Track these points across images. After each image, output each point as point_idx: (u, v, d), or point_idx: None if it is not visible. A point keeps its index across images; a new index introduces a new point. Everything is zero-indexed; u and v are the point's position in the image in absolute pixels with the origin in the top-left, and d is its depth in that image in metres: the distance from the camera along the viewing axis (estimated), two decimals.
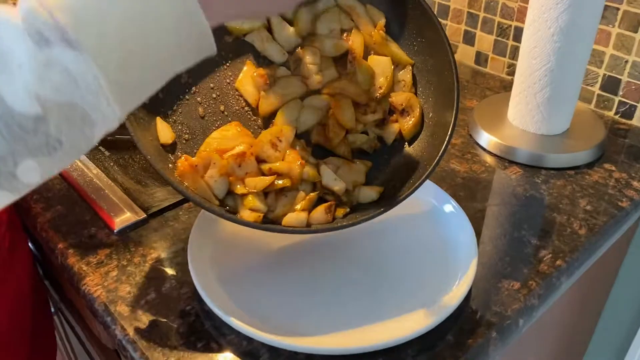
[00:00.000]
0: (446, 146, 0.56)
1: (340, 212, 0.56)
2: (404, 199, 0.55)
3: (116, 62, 0.32)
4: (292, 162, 0.55)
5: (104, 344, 0.74)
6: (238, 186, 0.53)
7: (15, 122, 0.30)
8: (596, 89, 0.88)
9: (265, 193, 0.54)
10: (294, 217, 0.53)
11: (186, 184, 0.53)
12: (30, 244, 0.76)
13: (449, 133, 0.56)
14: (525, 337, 0.66)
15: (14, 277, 0.69)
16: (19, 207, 0.70)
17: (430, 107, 0.61)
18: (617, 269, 0.89)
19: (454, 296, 0.53)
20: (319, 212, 0.54)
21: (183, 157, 0.54)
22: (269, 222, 0.54)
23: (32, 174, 0.33)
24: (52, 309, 0.86)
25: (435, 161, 0.56)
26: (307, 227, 0.54)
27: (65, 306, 0.85)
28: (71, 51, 0.31)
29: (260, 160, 0.56)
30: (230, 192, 0.55)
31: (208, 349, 0.51)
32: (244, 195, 0.53)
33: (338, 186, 0.56)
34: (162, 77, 0.37)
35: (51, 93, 0.31)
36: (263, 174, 0.55)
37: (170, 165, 0.54)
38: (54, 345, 0.85)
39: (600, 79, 0.87)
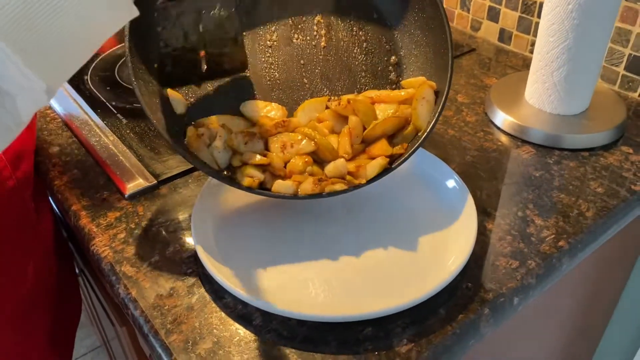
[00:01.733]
0: (434, 123, 0.57)
1: (340, 186, 0.56)
2: (390, 171, 0.58)
3: (20, 25, 0.30)
4: (295, 164, 0.57)
5: (118, 304, 0.78)
6: (236, 159, 0.56)
7: None
8: (621, 69, 0.85)
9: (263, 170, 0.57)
10: (282, 185, 0.55)
11: (191, 149, 0.55)
12: (55, 207, 0.80)
13: (438, 111, 0.57)
14: (528, 321, 0.66)
15: (41, 237, 0.72)
16: (39, 171, 0.73)
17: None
18: (635, 259, 0.87)
19: (448, 271, 0.53)
20: (308, 183, 0.55)
21: (191, 125, 0.56)
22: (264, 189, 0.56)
23: None
24: (77, 271, 0.90)
25: (423, 137, 0.58)
26: (294, 195, 0.56)
27: (86, 268, 0.89)
28: None
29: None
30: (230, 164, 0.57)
31: (204, 310, 0.53)
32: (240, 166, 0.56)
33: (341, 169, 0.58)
34: (84, 43, 0.34)
35: None
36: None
37: (176, 129, 0.57)
38: (79, 306, 0.89)
39: (625, 59, 0.84)
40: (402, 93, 0.61)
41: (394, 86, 0.65)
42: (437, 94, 0.60)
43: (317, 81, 0.65)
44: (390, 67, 0.65)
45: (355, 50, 0.65)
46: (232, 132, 0.58)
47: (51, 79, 0.33)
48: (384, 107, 0.61)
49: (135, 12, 0.36)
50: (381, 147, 0.58)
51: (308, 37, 0.65)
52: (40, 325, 0.73)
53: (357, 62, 0.65)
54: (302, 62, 0.64)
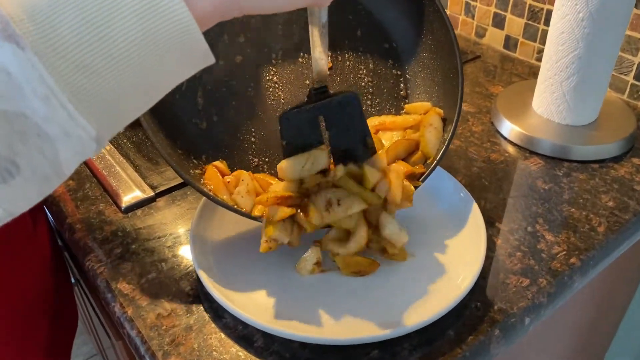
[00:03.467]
0: (445, 149, 0.56)
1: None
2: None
3: (73, 62, 0.26)
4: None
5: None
6: (258, 209, 0.53)
7: None
8: (630, 79, 0.83)
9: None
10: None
11: (209, 186, 0.54)
12: (50, 218, 0.78)
13: (448, 138, 0.56)
14: (537, 332, 0.64)
15: (38, 247, 0.70)
16: None
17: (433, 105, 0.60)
18: None
19: (456, 290, 0.51)
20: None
21: (212, 166, 0.54)
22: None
23: None
24: (72, 280, 0.88)
25: (433, 165, 0.56)
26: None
27: (82, 278, 0.87)
28: (11, 46, 0.25)
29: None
30: None
31: (203, 331, 0.50)
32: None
33: (403, 239, 0.53)
34: (148, 88, 0.30)
35: None
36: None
37: (188, 163, 0.55)
38: (75, 315, 0.87)
39: (635, 68, 0.82)
40: (410, 119, 0.58)
41: (401, 109, 0.63)
42: (444, 120, 0.58)
43: None
44: (397, 89, 0.63)
45: (361, 72, 0.63)
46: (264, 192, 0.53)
47: (103, 127, 0.29)
48: (390, 134, 0.58)
49: (211, 59, 0.32)
50: (402, 166, 0.55)
51: None
52: (39, 334, 0.71)
53: (363, 84, 0.63)
54: (307, 82, 0.62)
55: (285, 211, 0.50)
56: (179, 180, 0.68)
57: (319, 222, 0.51)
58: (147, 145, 0.75)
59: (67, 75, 0.26)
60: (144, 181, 0.68)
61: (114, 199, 0.66)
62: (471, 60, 0.97)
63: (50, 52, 0.26)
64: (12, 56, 0.25)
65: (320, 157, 0.52)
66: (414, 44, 0.61)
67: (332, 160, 0.54)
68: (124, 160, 0.71)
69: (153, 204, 0.65)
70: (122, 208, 0.64)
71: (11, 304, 0.65)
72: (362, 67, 0.63)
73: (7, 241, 0.63)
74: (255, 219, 0.53)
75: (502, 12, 0.97)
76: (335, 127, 0.52)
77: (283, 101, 0.61)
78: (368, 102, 0.63)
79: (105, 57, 0.27)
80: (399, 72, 0.63)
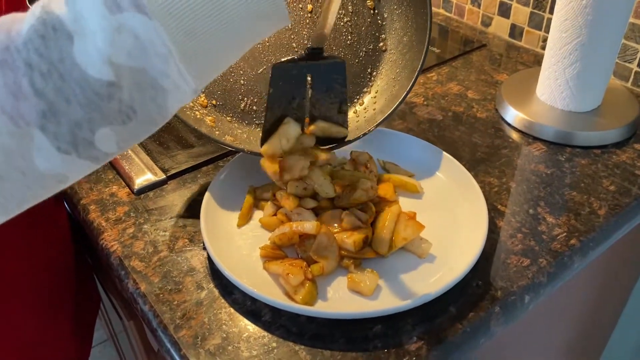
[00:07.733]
0: (408, 90, 0.61)
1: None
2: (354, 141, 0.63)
3: (185, 28, 0.32)
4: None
5: (126, 298, 0.78)
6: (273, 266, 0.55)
7: (90, 87, 0.31)
8: (634, 66, 0.84)
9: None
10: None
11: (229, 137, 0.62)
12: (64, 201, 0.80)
13: (413, 79, 0.62)
14: (539, 317, 0.66)
15: (59, 225, 0.72)
16: None
17: (404, 47, 0.67)
18: None
19: (458, 268, 0.53)
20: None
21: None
22: None
23: (109, 143, 0.34)
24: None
25: (394, 107, 0.62)
26: None
27: (93, 261, 0.89)
28: (140, 15, 0.31)
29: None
30: None
31: (213, 306, 0.52)
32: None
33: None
34: (236, 48, 0.36)
35: (123, 58, 0.31)
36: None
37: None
38: (97, 295, 0.88)
39: (639, 56, 0.83)
40: None
41: (379, 46, 0.69)
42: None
43: (305, 44, 0.67)
44: (375, 28, 0.69)
45: (340, 12, 0.68)
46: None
47: (199, 81, 0.35)
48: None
49: (287, 22, 0.37)
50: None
51: (295, 1, 0.68)
52: (62, 312, 0.73)
53: (342, 23, 0.69)
54: (290, 25, 0.67)
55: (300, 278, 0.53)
56: (190, 164, 0.70)
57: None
58: (159, 129, 0.77)
59: (181, 39, 0.32)
60: (156, 164, 0.69)
61: (127, 182, 0.67)
62: (477, 49, 0.98)
63: (169, 21, 0.32)
64: (141, 24, 0.31)
65: (289, 129, 0.56)
66: None
67: (307, 119, 0.58)
68: (136, 144, 0.73)
69: (164, 186, 0.67)
70: (135, 190, 0.66)
71: (36, 280, 0.66)
72: (341, 8, 0.68)
73: (31, 217, 0.65)
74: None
75: (508, 1, 0.98)
76: (319, 88, 0.57)
77: (268, 44, 0.67)
78: (348, 41, 0.69)
79: (212, 25, 0.33)
80: (375, 11, 0.69)
